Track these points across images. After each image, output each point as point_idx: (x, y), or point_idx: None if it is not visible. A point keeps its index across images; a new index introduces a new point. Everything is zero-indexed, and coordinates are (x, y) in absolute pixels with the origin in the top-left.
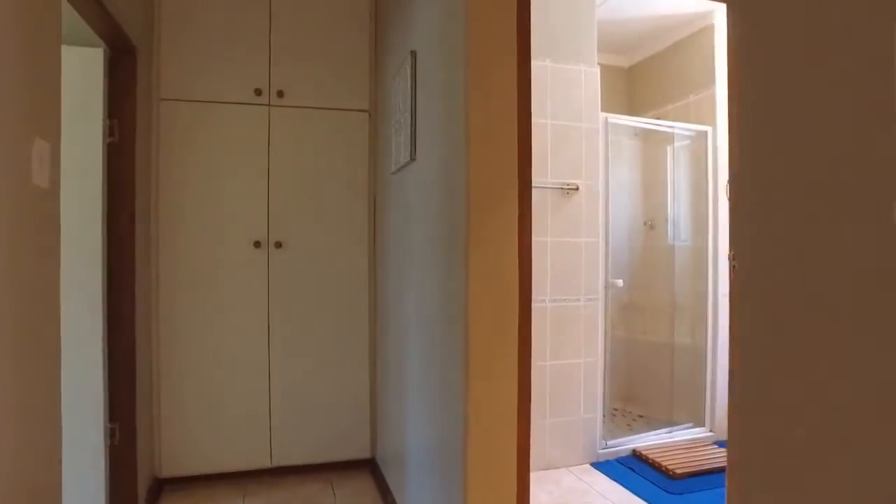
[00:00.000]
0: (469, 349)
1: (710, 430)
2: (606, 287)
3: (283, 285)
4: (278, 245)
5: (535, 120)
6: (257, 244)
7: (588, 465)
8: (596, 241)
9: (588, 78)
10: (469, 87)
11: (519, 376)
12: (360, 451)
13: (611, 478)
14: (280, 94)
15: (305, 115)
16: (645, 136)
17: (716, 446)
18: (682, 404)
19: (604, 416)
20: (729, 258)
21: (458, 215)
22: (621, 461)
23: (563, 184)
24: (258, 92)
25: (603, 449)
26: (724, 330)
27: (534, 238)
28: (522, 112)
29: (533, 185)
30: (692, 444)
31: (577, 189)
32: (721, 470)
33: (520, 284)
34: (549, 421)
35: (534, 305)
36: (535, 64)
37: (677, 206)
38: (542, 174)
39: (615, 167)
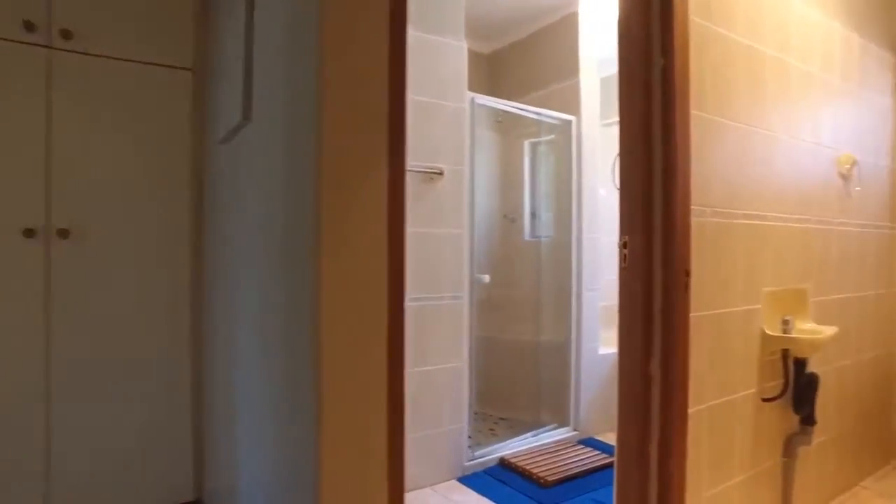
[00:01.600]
0: (321, 366)
1: (575, 430)
2: (472, 283)
3: (70, 288)
4: (63, 234)
5: None
6: (29, 233)
7: (454, 481)
8: (460, 232)
9: (455, 53)
10: (325, 23)
11: (389, 394)
12: (180, 493)
13: (480, 493)
14: (66, 34)
15: (105, 67)
16: (505, 127)
17: (581, 446)
18: (546, 404)
19: (470, 425)
20: (619, 245)
21: (306, 195)
22: (490, 472)
23: (427, 167)
24: (29, 26)
25: (470, 461)
26: (587, 325)
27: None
28: (395, 64)
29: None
30: (559, 446)
31: (442, 174)
32: (591, 472)
33: (390, 283)
34: (412, 436)
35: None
36: None
37: (540, 199)
38: None
39: (475, 156)
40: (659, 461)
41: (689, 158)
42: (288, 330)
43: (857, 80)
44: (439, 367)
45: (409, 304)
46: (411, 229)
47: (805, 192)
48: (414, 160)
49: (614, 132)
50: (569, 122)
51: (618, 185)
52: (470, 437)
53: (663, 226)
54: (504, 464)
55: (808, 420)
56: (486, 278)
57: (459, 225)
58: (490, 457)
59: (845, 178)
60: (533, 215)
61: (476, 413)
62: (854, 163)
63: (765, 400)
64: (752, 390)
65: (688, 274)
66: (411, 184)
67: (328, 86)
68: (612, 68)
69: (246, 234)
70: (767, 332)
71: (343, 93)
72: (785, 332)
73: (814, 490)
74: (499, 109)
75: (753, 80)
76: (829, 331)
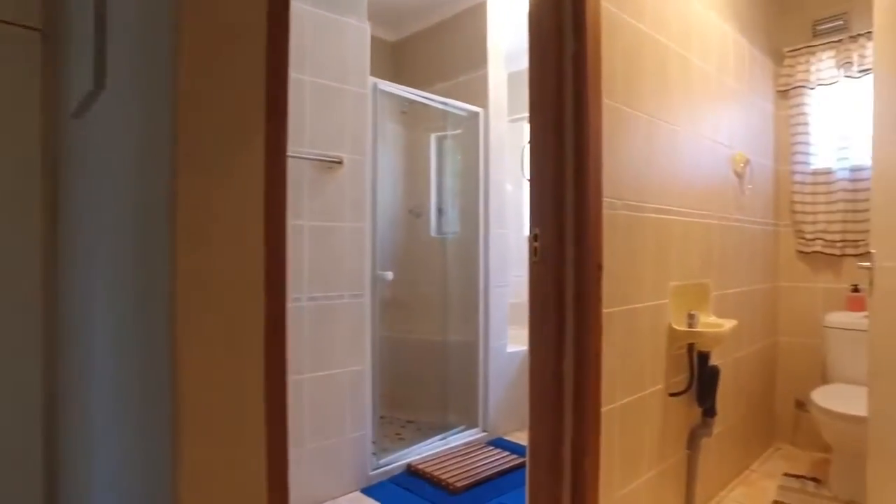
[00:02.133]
0: (179, 376)
1: (484, 431)
2: (374, 280)
3: None
4: None
5: (290, 73)
6: None
7: (358, 492)
8: (362, 226)
9: (357, 34)
10: None
11: (268, 405)
12: None
13: None
14: None
15: None
16: (411, 119)
17: (491, 448)
18: (454, 405)
19: (374, 431)
20: (530, 239)
21: (161, 177)
22: (396, 480)
23: (325, 156)
24: None
25: (375, 469)
26: (495, 323)
27: (288, 221)
28: (276, 22)
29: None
30: (468, 449)
31: (341, 163)
32: (501, 474)
33: (268, 280)
34: (309, 447)
35: (289, 306)
36: (292, 4)
37: (446, 194)
38: (298, 141)
39: (379, 149)
40: (572, 462)
41: (600, 148)
42: (141, 336)
43: (748, 84)
44: (340, 370)
45: (307, 305)
46: (308, 222)
47: (706, 188)
48: (310, 147)
49: (522, 128)
50: (476, 115)
51: (528, 177)
52: (375, 443)
53: (575, 218)
54: (411, 470)
55: (709, 412)
56: (390, 275)
57: (361, 218)
58: (396, 464)
59: (740, 176)
60: (439, 211)
61: (382, 417)
62: (747, 162)
63: (671, 395)
64: (660, 386)
65: (600, 268)
66: (308, 173)
67: (187, 43)
68: (520, 64)
69: (97, 224)
70: (675, 326)
71: (207, 52)
72: (690, 326)
73: (712, 479)
74: (404, 98)
75: (660, 72)
76: (729, 324)
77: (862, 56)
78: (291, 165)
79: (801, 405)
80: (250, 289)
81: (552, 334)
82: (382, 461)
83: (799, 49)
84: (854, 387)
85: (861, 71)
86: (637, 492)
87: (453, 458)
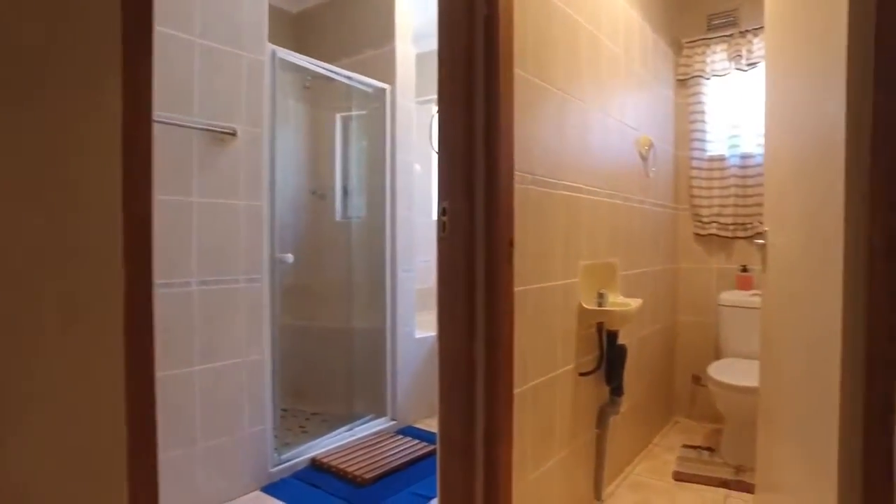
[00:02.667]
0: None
1: (393, 419)
2: (273, 263)
3: None
4: None
5: (175, 33)
6: None
7: (259, 491)
8: (259, 205)
9: None
10: None
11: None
12: None
13: (287, 502)
14: None
15: None
16: (315, 95)
17: (400, 437)
18: (362, 395)
19: (275, 425)
20: (438, 213)
21: None
22: (300, 476)
23: (216, 126)
24: None
25: (276, 466)
26: (403, 308)
27: (173, 197)
28: None
29: (169, 120)
30: (377, 439)
31: (235, 135)
32: (411, 463)
33: (128, 261)
34: (201, 446)
35: (175, 291)
36: None
37: (352, 175)
38: (185, 108)
39: (280, 126)
40: (485, 449)
41: (512, 118)
42: None
43: (652, 70)
44: (236, 360)
45: (197, 289)
46: (198, 199)
47: (614, 168)
48: (201, 116)
49: (430, 110)
50: (382, 91)
51: (436, 148)
52: (276, 437)
53: (486, 191)
54: (316, 465)
55: (617, 391)
56: (290, 258)
57: (258, 197)
58: (300, 458)
59: (644, 158)
60: (345, 192)
61: (285, 410)
62: (651, 145)
63: (582, 374)
64: (571, 365)
65: (511, 244)
66: (197, 144)
67: None
68: (429, 45)
69: None
70: (585, 305)
71: None
72: (600, 305)
73: (619, 455)
74: (306, 71)
75: (571, 47)
76: (635, 303)
77: (749, 51)
78: (177, 134)
79: (698, 380)
80: (104, 266)
81: (462, 315)
82: (285, 456)
83: (696, 41)
84: (745, 361)
85: (749, 64)
86: (549, 473)
87: (361, 449)
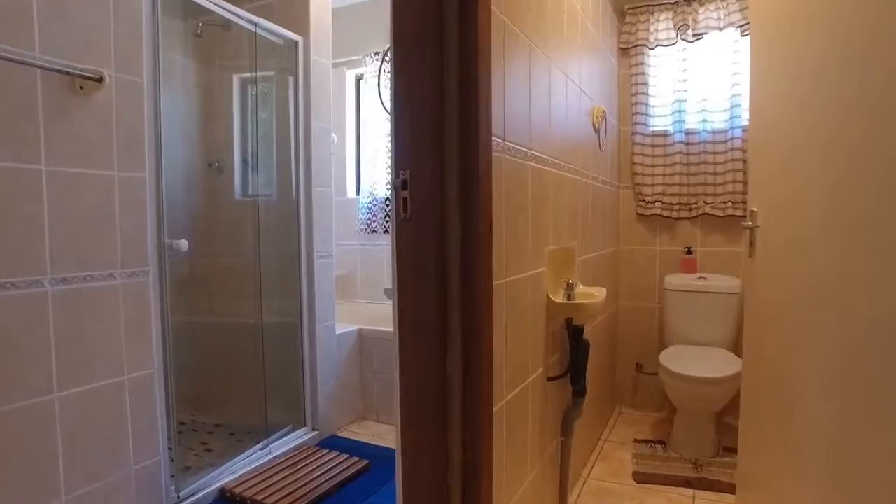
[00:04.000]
0: None
1: (314, 429)
2: (162, 252)
3: None
4: None
5: None
6: None
7: None
8: (141, 176)
9: None
10: None
11: None
12: None
13: None
14: None
15: None
16: (208, 48)
17: (325, 451)
18: (275, 402)
19: (172, 454)
20: (394, 187)
21: None
22: None
23: (71, 68)
24: None
25: None
26: (321, 300)
27: (10, 164)
28: None
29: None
30: (298, 456)
31: (101, 81)
32: (342, 485)
33: None
34: (70, 497)
35: (19, 293)
36: None
37: (255, 144)
38: (23, 41)
39: (166, 82)
40: (463, 489)
41: (490, 66)
42: None
43: (602, 35)
44: (112, 381)
45: (52, 290)
46: (48, 167)
47: (574, 138)
48: (46, 53)
49: (345, 75)
50: (294, 44)
51: (389, 106)
52: (173, 460)
53: (460, 159)
54: (227, 497)
55: (581, 392)
56: (184, 244)
57: (139, 166)
58: (206, 490)
59: (597, 131)
60: (246, 164)
61: (182, 425)
62: (604, 116)
63: (550, 379)
64: (540, 370)
65: (491, 229)
66: (43, 91)
67: None
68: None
69: None
70: (553, 299)
71: None
72: (569, 298)
73: (575, 458)
74: (199, 12)
75: None
76: (600, 293)
77: (695, 20)
78: (7, 74)
79: (640, 368)
80: None
81: (433, 321)
82: (185, 491)
83: (639, 7)
84: (695, 348)
85: (695, 35)
86: (523, 497)
87: (279, 471)
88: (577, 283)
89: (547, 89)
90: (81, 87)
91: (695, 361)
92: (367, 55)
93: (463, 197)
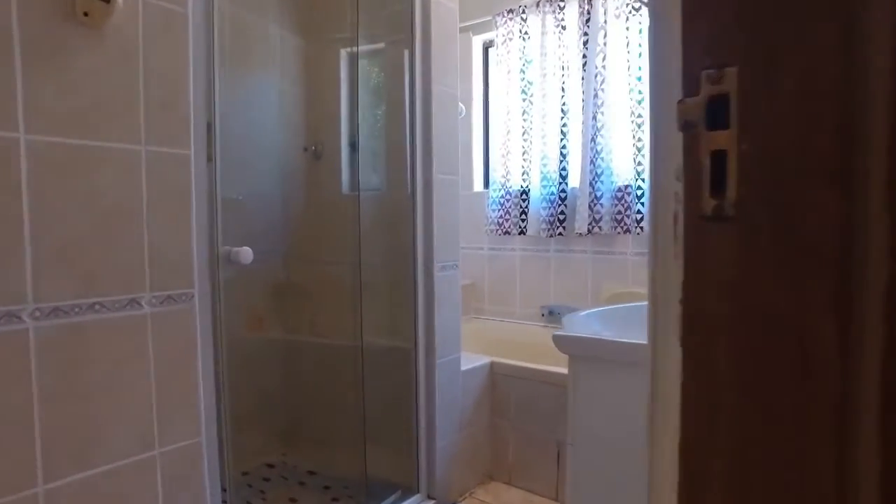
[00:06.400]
0: None
1: (429, 497)
2: (217, 266)
3: None
4: None
5: None
6: None
7: None
8: (184, 154)
9: None
10: None
11: None
12: None
13: None
14: None
15: None
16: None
17: None
18: (380, 454)
19: None
20: (686, 122)
21: None
22: None
23: None
24: None
25: None
26: (444, 322)
27: None
28: None
29: None
30: None
31: (112, 2)
32: None
33: None
34: None
35: None
36: None
37: (358, 120)
38: None
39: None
40: None
41: None
42: None
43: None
44: (135, 459)
45: (33, 325)
46: (34, 136)
47: None
48: None
49: (474, 42)
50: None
51: None
52: None
53: None
54: None
55: None
56: (248, 254)
57: (180, 139)
58: None
59: None
60: (352, 147)
61: (270, 468)
62: None
63: None
64: None
65: None
66: (15, 15)
67: None
68: None
69: None
70: None
71: None
72: None
73: None
74: None
75: None
76: None
77: None
78: None
79: None
80: None
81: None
82: None
83: None
84: None
85: None
86: None
87: None
88: None
89: None
90: (86, 14)
91: None
92: (499, 14)
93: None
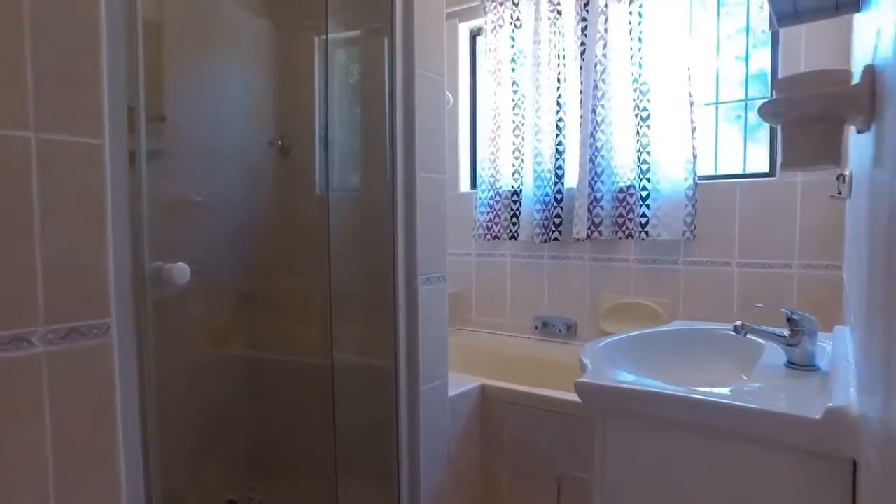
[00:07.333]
0: None
1: None
2: (143, 285)
3: None
4: None
5: None
6: None
7: None
8: (96, 144)
9: None
10: None
11: None
12: None
13: None
14: None
15: None
16: None
17: None
18: (356, 486)
19: None
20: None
21: None
22: None
23: None
24: None
25: None
26: (429, 350)
27: None
28: None
29: None
30: None
31: None
32: None
33: None
34: None
35: None
36: None
37: (338, 117)
38: None
39: None
40: None
41: None
42: None
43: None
44: None
45: None
46: None
47: None
48: None
49: (460, 29)
50: None
51: None
52: None
53: None
54: None
55: None
56: (184, 272)
57: (89, 123)
58: None
59: None
60: (325, 144)
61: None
62: None
63: None
64: None
65: None
66: None
67: None
68: None
69: None
70: None
71: None
72: None
73: None
74: None
75: None
76: None
77: None
78: None
79: None
80: None
81: None
82: None
83: None
84: None
85: None
86: None
87: None
88: None
89: None
90: None
91: None
92: (488, 0)
93: None
